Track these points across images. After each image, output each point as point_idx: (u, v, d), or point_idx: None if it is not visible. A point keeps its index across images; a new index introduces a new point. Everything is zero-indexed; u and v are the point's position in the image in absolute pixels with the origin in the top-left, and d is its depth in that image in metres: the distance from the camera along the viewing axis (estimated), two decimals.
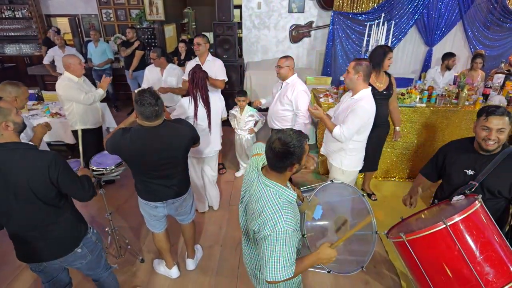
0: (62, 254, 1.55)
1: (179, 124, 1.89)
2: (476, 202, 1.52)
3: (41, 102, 4.20)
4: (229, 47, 5.10)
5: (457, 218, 1.46)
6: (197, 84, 2.36)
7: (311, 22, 5.81)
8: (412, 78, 4.80)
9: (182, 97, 2.66)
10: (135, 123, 1.81)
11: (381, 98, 2.74)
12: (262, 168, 1.34)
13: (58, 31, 6.01)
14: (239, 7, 6.46)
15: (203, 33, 4.19)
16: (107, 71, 5.93)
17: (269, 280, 1.19)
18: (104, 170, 2.02)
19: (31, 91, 4.43)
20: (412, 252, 1.58)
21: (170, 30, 6.86)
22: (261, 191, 1.26)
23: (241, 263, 2.50)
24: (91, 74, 5.68)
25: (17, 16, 6.82)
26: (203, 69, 2.47)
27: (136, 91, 1.78)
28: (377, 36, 3.55)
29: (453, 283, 1.49)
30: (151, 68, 3.67)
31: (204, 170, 2.87)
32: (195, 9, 8.82)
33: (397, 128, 3.07)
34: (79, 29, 7.18)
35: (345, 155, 2.33)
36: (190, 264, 2.42)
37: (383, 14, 3.90)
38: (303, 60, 6.11)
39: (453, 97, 3.44)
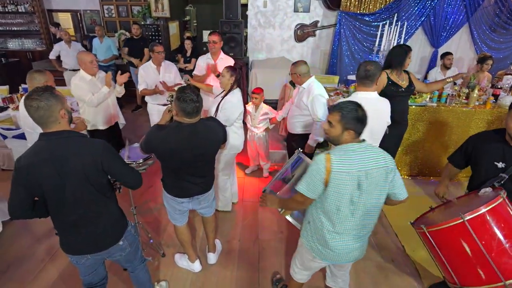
0: (107, 246, 1.57)
1: (213, 122, 1.93)
2: (499, 197, 1.59)
3: None
4: (235, 45, 5.11)
5: (472, 215, 1.56)
6: (241, 83, 2.48)
7: (316, 22, 5.85)
8: (418, 78, 4.87)
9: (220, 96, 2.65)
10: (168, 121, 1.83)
11: (405, 95, 2.84)
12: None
13: (58, 26, 5.96)
14: (244, 5, 6.48)
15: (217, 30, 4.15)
16: (111, 67, 5.89)
17: (406, 196, 1.54)
18: (134, 163, 2.02)
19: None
20: (433, 242, 1.72)
21: (173, 27, 6.84)
22: (369, 149, 1.46)
23: (261, 257, 2.53)
24: None
25: (20, 10, 6.73)
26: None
27: (176, 88, 1.78)
28: (390, 36, 3.60)
29: (471, 268, 1.60)
30: (146, 66, 3.47)
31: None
32: (197, 7, 8.79)
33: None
34: (80, 25, 7.12)
35: None
36: (212, 257, 2.43)
37: (396, 14, 3.95)
38: (308, 59, 6.15)
39: (464, 97, 3.51)
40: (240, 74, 2.50)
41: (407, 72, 2.88)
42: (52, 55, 5.54)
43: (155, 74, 3.47)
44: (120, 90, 3.11)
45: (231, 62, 3.40)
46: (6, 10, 6.73)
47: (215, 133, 1.91)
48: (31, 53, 7.00)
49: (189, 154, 1.80)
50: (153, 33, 6.44)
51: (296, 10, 5.77)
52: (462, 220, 1.56)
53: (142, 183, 1.61)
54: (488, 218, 1.55)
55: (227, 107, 2.47)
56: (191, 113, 1.73)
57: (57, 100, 1.34)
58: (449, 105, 3.48)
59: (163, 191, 2.06)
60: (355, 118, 1.40)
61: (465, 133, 3.54)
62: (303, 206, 1.59)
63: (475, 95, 3.42)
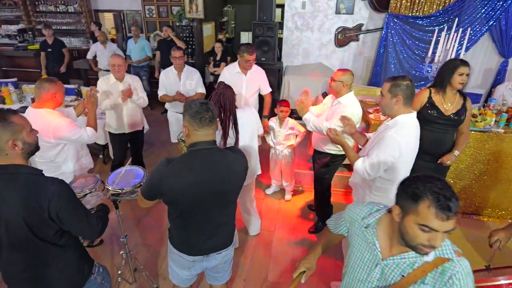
0: None
1: (231, 151, 1.52)
2: None
3: (79, 99, 4.16)
4: (268, 49, 4.76)
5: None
6: (226, 109, 2.00)
7: (360, 25, 5.28)
8: (481, 94, 4.11)
9: None
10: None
11: (447, 124, 2.23)
12: None
13: (99, 26, 6.09)
14: (281, 6, 6.11)
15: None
16: (144, 68, 5.91)
17: None
18: (120, 191, 1.77)
19: (72, 86, 4.43)
20: None
21: (208, 29, 6.68)
22: None
23: None
24: (129, 71, 5.65)
25: (69, 10, 7.12)
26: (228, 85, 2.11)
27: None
28: (447, 44, 2.98)
29: None
30: (167, 72, 3.31)
31: (244, 201, 2.58)
32: (236, 7, 8.58)
33: (456, 152, 2.33)
34: (123, 25, 7.30)
35: (370, 193, 1.85)
36: None
37: (456, 19, 3.30)
38: (348, 66, 5.58)
39: None
40: (223, 99, 2.00)
41: (464, 97, 2.24)
42: (89, 55, 5.69)
43: (175, 80, 3.31)
44: (139, 101, 3.03)
45: (264, 74, 3.18)
46: (58, 10, 7.17)
47: (237, 163, 1.47)
48: (77, 52, 7.36)
49: (206, 190, 1.38)
50: (187, 35, 6.35)
51: (338, 11, 5.25)
52: (500, 283, 1.25)
53: (99, 236, 1.39)
54: None
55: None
56: (203, 119, 1.32)
57: (5, 129, 1.13)
58: None
59: (168, 245, 1.65)
60: None
61: None
62: None
63: None
